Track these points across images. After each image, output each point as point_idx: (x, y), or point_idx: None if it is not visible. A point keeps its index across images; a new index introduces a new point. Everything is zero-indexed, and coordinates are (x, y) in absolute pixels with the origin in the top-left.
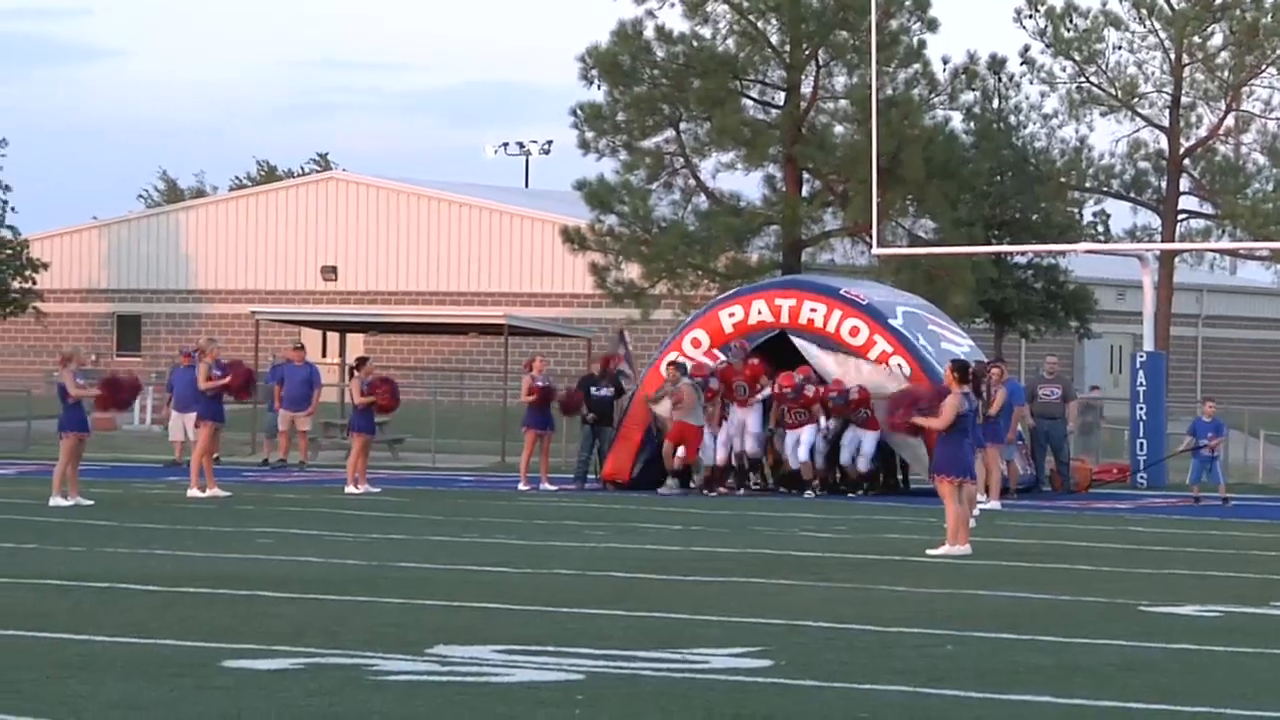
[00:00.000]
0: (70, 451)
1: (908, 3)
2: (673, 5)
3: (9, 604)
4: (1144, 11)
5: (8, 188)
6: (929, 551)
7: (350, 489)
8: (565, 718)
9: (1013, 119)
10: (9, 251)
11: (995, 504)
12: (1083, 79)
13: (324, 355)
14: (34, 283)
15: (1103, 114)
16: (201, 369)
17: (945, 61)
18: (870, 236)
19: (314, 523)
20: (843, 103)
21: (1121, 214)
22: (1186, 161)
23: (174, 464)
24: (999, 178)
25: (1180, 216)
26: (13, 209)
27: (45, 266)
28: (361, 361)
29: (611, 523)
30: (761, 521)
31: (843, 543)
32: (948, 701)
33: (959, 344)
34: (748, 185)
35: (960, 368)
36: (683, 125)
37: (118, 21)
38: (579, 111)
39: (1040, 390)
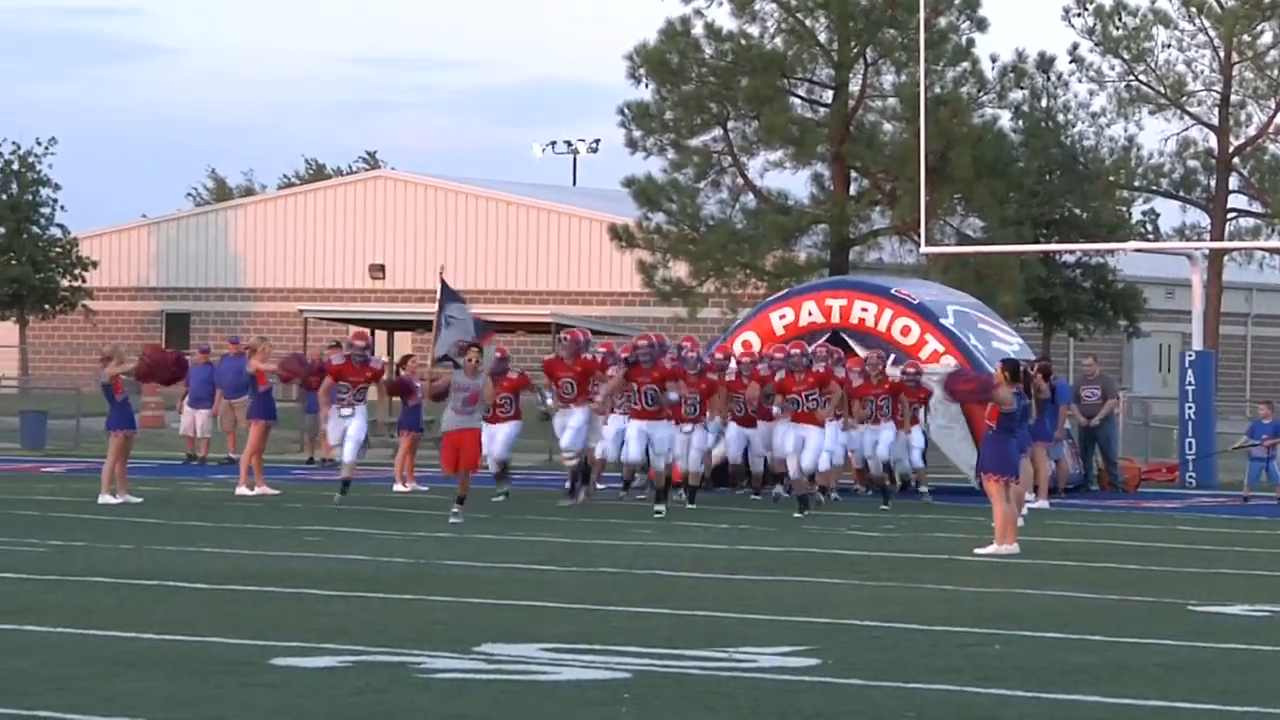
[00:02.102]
0: (119, 449)
1: (956, 1)
2: (721, 4)
3: (58, 601)
4: (1193, 10)
5: (57, 186)
6: (977, 551)
7: (398, 487)
8: (612, 716)
9: (1061, 117)
10: (58, 250)
11: (1043, 503)
12: (1131, 77)
13: (372, 354)
14: (83, 281)
15: (1151, 112)
16: (253, 364)
17: (994, 60)
18: (918, 235)
19: (361, 521)
20: (891, 101)
21: (1170, 212)
22: (1236, 160)
23: (192, 459)
24: (1047, 176)
25: (1229, 215)
26: (62, 207)
27: (94, 265)
28: (405, 360)
29: (657, 521)
30: (807, 520)
31: (889, 542)
32: (995, 700)
33: (1009, 343)
34: (795, 184)
35: (1012, 366)
36: (730, 124)
37: (167, 20)
38: (626, 110)
39: (1082, 391)
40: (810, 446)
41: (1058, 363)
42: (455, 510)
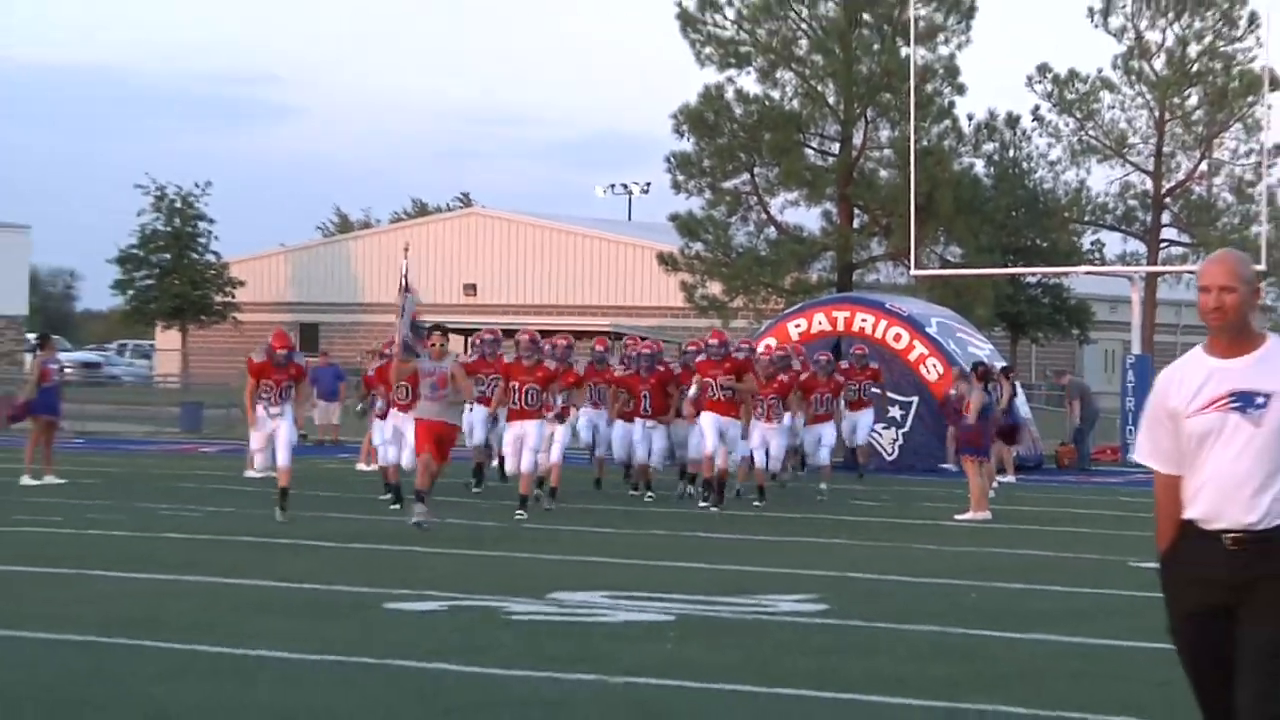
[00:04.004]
0: None
1: (940, 70)
2: (748, 72)
3: (209, 556)
4: (1133, 77)
5: (212, 220)
6: (956, 517)
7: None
8: (659, 650)
9: (1025, 165)
10: (213, 272)
11: (1011, 478)
12: (1082, 132)
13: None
14: (233, 297)
15: (1099, 161)
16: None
17: (970, 118)
18: (909, 261)
19: (457, 491)
20: (887, 151)
21: (1114, 242)
22: (1168, 200)
23: (320, 443)
24: (1014, 213)
25: (1162, 244)
26: (216, 238)
27: (242, 284)
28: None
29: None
30: (820, 492)
31: (885, 509)
32: (971, 640)
33: (981, 348)
34: (809, 219)
35: (982, 370)
36: (756, 170)
37: (300, 86)
38: (672, 159)
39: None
40: (730, 439)
41: (1021, 364)
42: (419, 510)
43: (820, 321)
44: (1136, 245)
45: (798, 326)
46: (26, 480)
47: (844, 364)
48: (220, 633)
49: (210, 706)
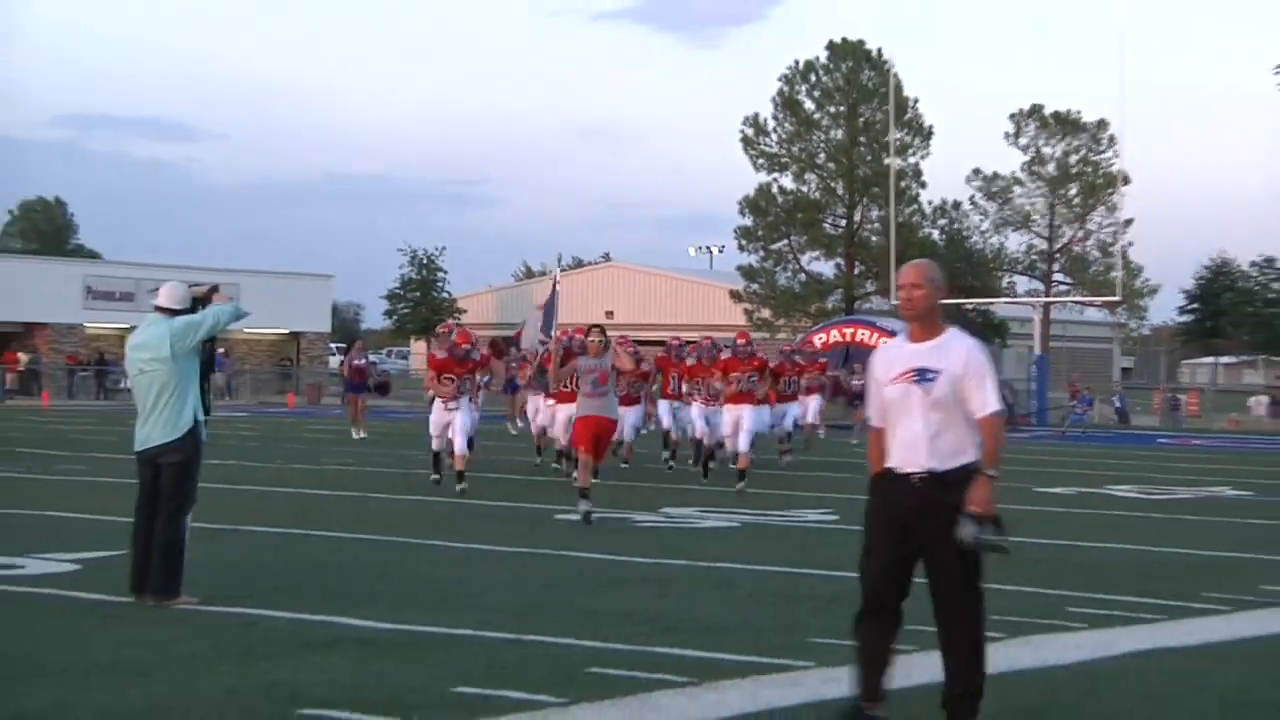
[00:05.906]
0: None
1: (910, 172)
2: (787, 175)
3: (447, 486)
4: (1034, 176)
5: (445, 271)
6: None
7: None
8: (731, 546)
9: (965, 233)
10: (446, 304)
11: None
12: (1001, 212)
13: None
14: (459, 320)
15: (1012, 230)
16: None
17: (930, 203)
18: (890, 295)
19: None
20: (876, 225)
21: (1022, 283)
22: (1057, 255)
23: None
24: (958, 264)
25: (1054, 284)
26: (448, 282)
27: (464, 311)
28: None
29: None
30: (834, 441)
31: None
32: None
33: None
34: (826, 269)
35: None
36: (792, 237)
37: (503, 184)
38: (738, 230)
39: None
40: (745, 423)
41: None
42: (584, 505)
43: (834, 335)
44: (1037, 284)
45: (820, 338)
46: (355, 434)
47: (798, 360)
48: (457, 534)
49: (457, 579)
